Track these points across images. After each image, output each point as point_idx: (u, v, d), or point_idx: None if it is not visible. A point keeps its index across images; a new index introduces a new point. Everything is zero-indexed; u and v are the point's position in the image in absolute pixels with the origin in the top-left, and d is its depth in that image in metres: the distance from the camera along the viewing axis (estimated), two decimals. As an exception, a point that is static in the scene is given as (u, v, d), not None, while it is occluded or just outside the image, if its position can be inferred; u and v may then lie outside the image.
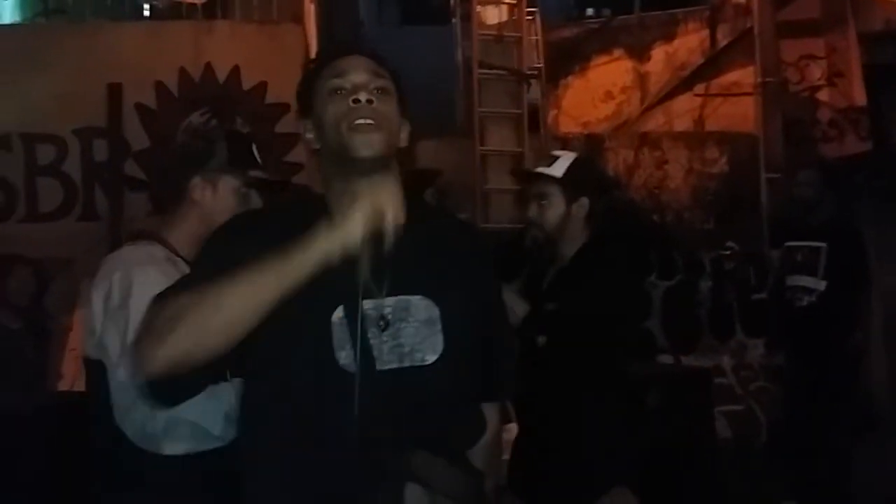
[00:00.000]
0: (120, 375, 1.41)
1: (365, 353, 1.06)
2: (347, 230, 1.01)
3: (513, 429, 3.84)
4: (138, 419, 1.42)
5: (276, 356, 1.08)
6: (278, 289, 1.00)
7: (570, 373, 1.94)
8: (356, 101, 1.11)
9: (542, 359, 1.94)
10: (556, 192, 2.04)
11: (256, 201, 1.60)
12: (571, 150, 7.09)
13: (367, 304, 1.08)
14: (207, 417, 1.43)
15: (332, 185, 1.15)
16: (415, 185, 1.22)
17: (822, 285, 3.73)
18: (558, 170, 2.05)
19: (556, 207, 2.04)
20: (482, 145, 5.93)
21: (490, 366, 1.21)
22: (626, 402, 2.02)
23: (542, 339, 1.96)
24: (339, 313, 1.07)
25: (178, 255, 1.54)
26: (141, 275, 1.46)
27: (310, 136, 1.17)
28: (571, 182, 2.04)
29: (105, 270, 1.53)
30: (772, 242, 4.35)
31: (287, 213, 1.20)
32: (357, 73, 1.14)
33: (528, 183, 2.14)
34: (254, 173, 1.61)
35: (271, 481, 1.10)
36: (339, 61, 1.16)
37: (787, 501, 3.60)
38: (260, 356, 1.08)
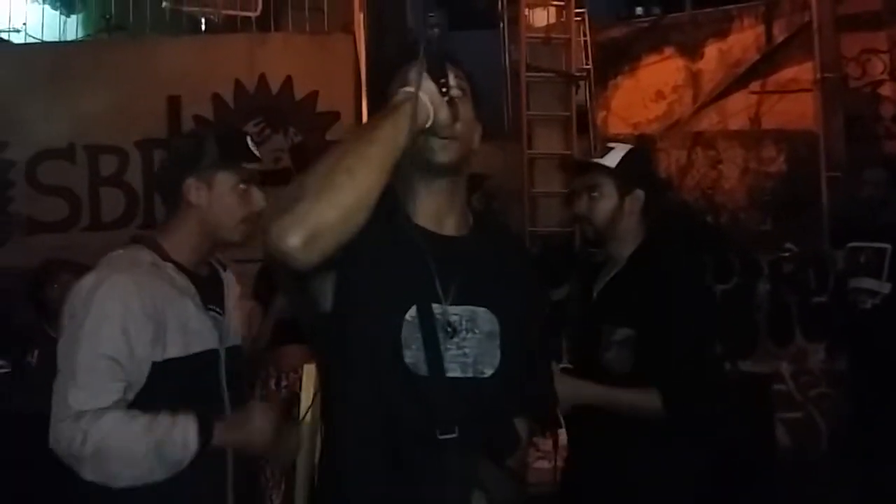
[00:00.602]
0: (57, 385, 1.35)
1: (436, 358, 1.08)
2: (421, 85, 1.03)
3: (562, 434, 3.82)
4: (64, 437, 1.32)
5: (353, 343, 1.10)
6: (390, 149, 1.01)
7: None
8: None
9: (613, 381, 1.72)
10: (609, 184, 1.82)
11: (259, 198, 1.50)
12: (622, 151, 7.02)
13: (435, 309, 1.10)
14: (135, 450, 1.31)
15: (408, 183, 1.16)
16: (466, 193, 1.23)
17: (886, 287, 3.58)
18: (612, 160, 1.84)
19: (607, 200, 1.82)
20: (530, 149, 5.91)
21: (530, 382, 1.22)
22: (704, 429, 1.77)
23: (609, 358, 1.73)
24: (412, 313, 1.09)
25: (169, 260, 1.45)
26: (106, 290, 1.36)
27: None
28: (625, 173, 1.82)
29: (86, 276, 1.43)
30: (833, 243, 4.20)
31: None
32: (450, 76, 1.14)
33: (578, 174, 1.92)
34: (249, 166, 1.50)
35: (350, 472, 1.12)
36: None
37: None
38: (337, 345, 1.11)
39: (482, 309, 1.13)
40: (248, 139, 1.53)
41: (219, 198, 1.47)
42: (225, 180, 1.48)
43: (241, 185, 1.48)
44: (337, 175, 0.99)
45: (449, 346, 1.09)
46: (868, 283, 3.65)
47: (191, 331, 1.42)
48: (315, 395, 2.21)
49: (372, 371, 1.09)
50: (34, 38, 5.32)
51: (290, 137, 4.41)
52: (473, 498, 1.06)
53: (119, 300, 1.36)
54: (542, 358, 1.29)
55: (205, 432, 1.35)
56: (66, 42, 5.40)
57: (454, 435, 1.06)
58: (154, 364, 1.38)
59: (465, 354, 1.11)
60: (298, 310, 1.17)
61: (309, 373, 2.27)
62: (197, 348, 1.43)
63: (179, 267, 1.46)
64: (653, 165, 2.11)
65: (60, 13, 5.59)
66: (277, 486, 3.34)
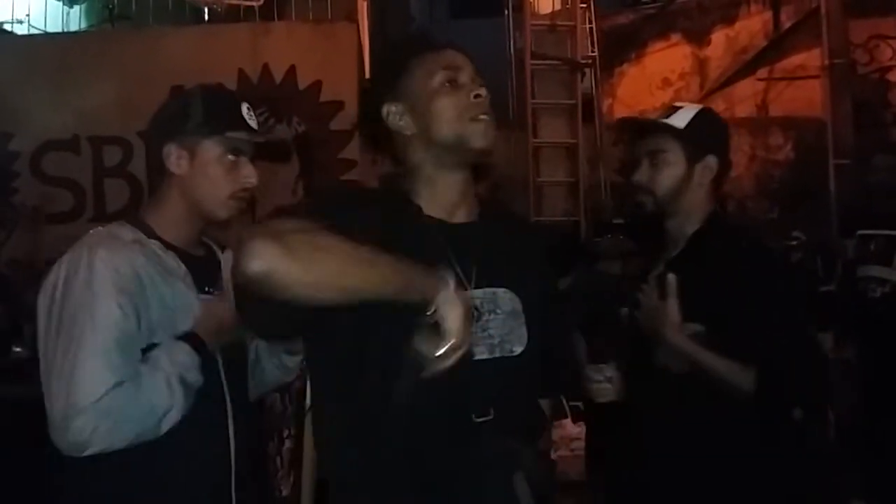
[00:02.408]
0: (49, 383, 1.21)
1: None
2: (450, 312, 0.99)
3: (566, 424, 3.82)
4: (72, 435, 1.19)
5: (377, 338, 1.08)
6: (383, 290, 0.99)
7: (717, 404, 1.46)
8: (477, 95, 1.14)
9: (671, 382, 1.49)
10: (676, 149, 1.55)
11: (250, 173, 1.35)
12: (628, 140, 6.99)
13: None
14: (155, 402, 1.21)
15: (423, 173, 1.16)
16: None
17: (895, 275, 3.56)
18: (680, 120, 1.56)
19: (673, 167, 1.54)
20: (535, 137, 5.88)
21: (551, 363, 1.22)
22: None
23: (671, 356, 1.48)
24: None
25: (155, 237, 1.32)
26: (85, 272, 1.23)
27: (395, 119, 1.16)
28: (696, 136, 1.55)
29: (62, 258, 1.28)
30: (842, 231, 4.18)
31: (377, 203, 1.16)
32: (469, 68, 1.17)
33: (639, 136, 1.63)
34: (237, 135, 1.32)
35: (377, 464, 1.10)
36: (443, 55, 1.17)
37: (857, 500, 3.46)
38: (350, 344, 1.09)
39: (502, 289, 1.14)
40: (244, 106, 1.36)
41: (202, 168, 1.32)
42: (209, 149, 1.32)
43: (229, 157, 1.32)
44: (330, 263, 0.96)
45: (474, 330, 1.08)
46: (878, 270, 3.63)
47: (181, 315, 1.29)
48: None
49: (398, 364, 1.07)
50: (37, 29, 5.31)
51: (293, 127, 4.39)
52: (516, 479, 1.06)
53: (103, 277, 1.22)
54: (563, 337, 1.28)
55: (192, 338, 1.27)
56: (69, 33, 5.39)
57: (490, 417, 1.06)
58: (140, 351, 1.26)
59: (490, 336, 1.11)
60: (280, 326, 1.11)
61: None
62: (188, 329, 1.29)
63: (168, 245, 1.33)
64: (726, 130, 1.71)
65: (63, 4, 5.57)
66: (287, 476, 3.35)
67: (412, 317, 1.03)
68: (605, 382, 1.58)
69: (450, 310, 0.98)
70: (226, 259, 1.42)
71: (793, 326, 1.46)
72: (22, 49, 4.74)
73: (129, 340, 1.24)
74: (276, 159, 1.45)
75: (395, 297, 0.99)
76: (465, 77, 1.16)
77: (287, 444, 3.45)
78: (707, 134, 1.59)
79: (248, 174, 1.34)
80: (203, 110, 1.33)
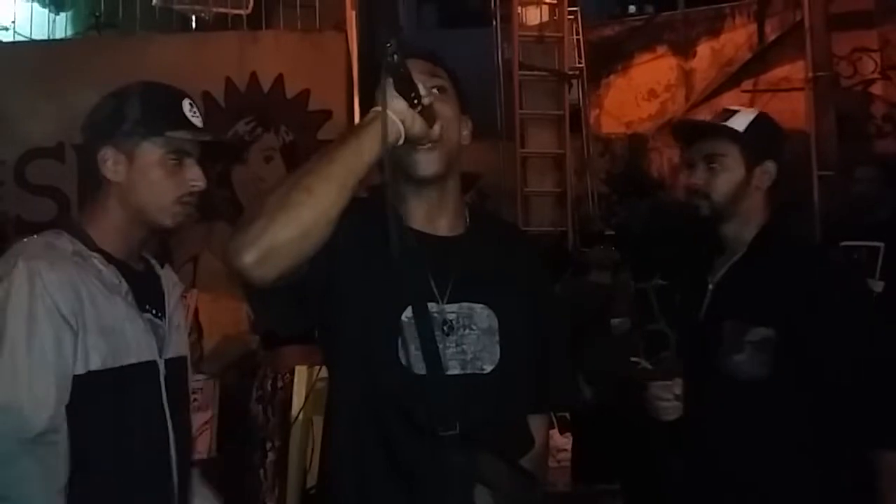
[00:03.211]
0: None
1: (433, 356, 1.07)
2: (389, 103, 1.02)
3: (553, 435, 3.80)
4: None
5: (349, 348, 1.10)
6: (353, 168, 1.01)
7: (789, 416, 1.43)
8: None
9: (739, 389, 1.44)
10: (735, 153, 1.51)
11: (196, 175, 1.22)
12: (614, 151, 7.03)
13: (431, 308, 1.10)
14: None
15: (402, 185, 1.15)
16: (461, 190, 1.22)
17: (879, 286, 3.59)
18: (740, 123, 1.53)
19: (732, 172, 1.51)
20: (523, 147, 5.90)
21: (542, 377, 1.21)
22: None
23: (739, 361, 1.43)
24: (407, 313, 1.09)
25: (96, 250, 1.19)
26: (18, 286, 1.11)
27: None
28: (755, 141, 1.52)
29: None
30: (826, 242, 4.22)
31: (362, 214, 1.13)
32: (442, 77, 1.15)
33: (695, 139, 1.58)
34: (178, 134, 1.20)
35: (347, 471, 1.12)
36: (417, 63, 1.14)
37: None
38: (336, 346, 1.11)
39: (479, 305, 1.13)
40: (187, 103, 1.24)
41: (141, 173, 1.19)
42: (149, 152, 1.19)
43: (171, 159, 1.20)
44: (296, 193, 0.99)
45: (447, 345, 1.10)
46: (861, 281, 3.65)
47: (121, 337, 1.18)
48: (307, 395, 2.21)
49: (371, 372, 1.09)
50: (23, 36, 5.27)
51: (281, 136, 4.38)
52: (476, 493, 1.06)
53: (43, 300, 1.11)
54: (559, 350, 1.26)
55: None
56: (55, 40, 5.35)
57: (455, 432, 1.06)
58: (76, 377, 1.13)
59: (463, 351, 1.11)
60: (279, 326, 1.15)
61: (300, 374, 2.26)
62: (130, 359, 1.18)
63: (109, 258, 1.20)
64: (782, 136, 1.70)
65: (49, 11, 5.54)
66: (271, 490, 3.32)
67: (392, 319, 1.06)
68: (673, 400, 1.51)
69: (390, 103, 1.02)
70: (165, 276, 1.33)
71: (865, 337, 1.42)
72: (7, 56, 4.71)
73: (60, 375, 1.13)
74: (226, 158, 1.32)
75: (363, 160, 1.01)
76: (436, 83, 1.13)
77: (270, 455, 3.42)
78: (766, 139, 1.56)
79: (194, 177, 1.22)
80: (140, 109, 1.21)
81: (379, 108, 1.03)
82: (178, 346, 1.30)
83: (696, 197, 1.55)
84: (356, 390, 1.10)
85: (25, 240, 1.20)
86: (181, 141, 1.22)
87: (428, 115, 1.06)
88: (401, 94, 1.03)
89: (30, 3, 5.45)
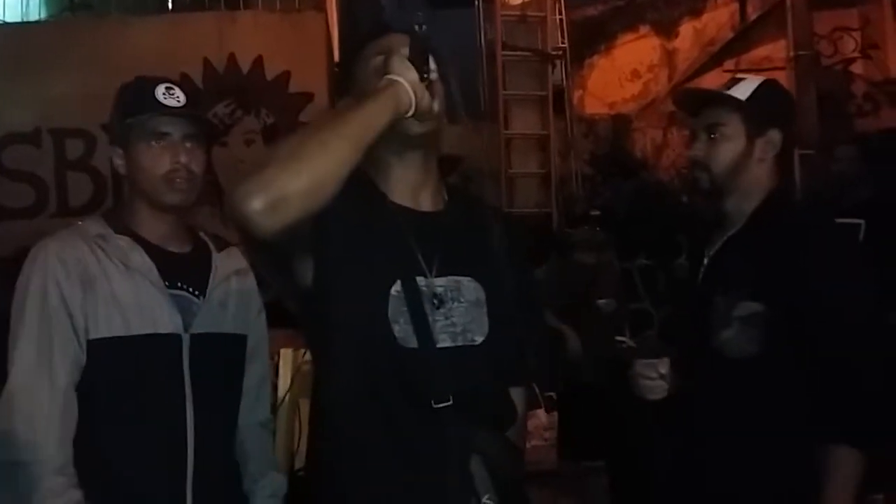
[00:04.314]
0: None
1: (424, 330, 1.08)
2: (404, 73, 1.04)
3: (539, 414, 3.84)
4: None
5: (338, 323, 1.10)
6: (366, 130, 1.02)
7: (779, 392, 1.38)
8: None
9: (727, 365, 1.41)
10: (735, 122, 1.45)
11: (176, 151, 1.31)
12: (598, 132, 7.04)
13: (420, 282, 1.10)
14: None
15: (382, 160, 1.15)
16: (439, 170, 1.21)
17: (859, 263, 3.63)
18: (742, 92, 1.46)
19: (732, 142, 1.45)
20: (506, 129, 5.89)
21: (522, 351, 1.23)
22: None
23: (727, 337, 1.39)
24: (396, 287, 1.09)
25: (126, 233, 1.32)
26: (37, 260, 1.28)
27: None
28: (758, 109, 1.45)
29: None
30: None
31: (344, 190, 1.12)
32: (403, 50, 1.13)
33: (698, 109, 1.52)
34: (144, 117, 1.30)
35: (340, 449, 1.12)
36: (382, 39, 1.16)
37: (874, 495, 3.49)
38: (324, 322, 1.11)
39: (466, 278, 1.14)
40: (161, 88, 1.32)
41: (134, 161, 1.32)
42: (135, 141, 1.32)
43: (153, 143, 1.31)
44: (309, 146, 0.99)
45: (437, 318, 1.10)
46: (841, 258, 3.69)
47: (136, 310, 1.28)
48: (293, 378, 2.20)
49: (361, 348, 1.09)
50: (-6, 18, 5.15)
51: (262, 119, 4.33)
52: (472, 463, 1.07)
53: (47, 266, 1.27)
54: (534, 324, 1.28)
55: None
56: (28, 23, 5.24)
57: (449, 403, 1.07)
58: (89, 342, 1.27)
59: (453, 324, 1.12)
60: (277, 287, 1.15)
61: (286, 357, 2.25)
62: (145, 329, 1.28)
63: (140, 240, 1.33)
64: (792, 103, 1.60)
65: (22, -7, 5.42)
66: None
67: (381, 294, 1.07)
68: (658, 379, 1.46)
69: (405, 73, 1.04)
70: (219, 257, 1.41)
71: (861, 319, 1.37)
72: (-21, 39, 4.60)
73: (71, 340, 1.26)
74: (204, 132, 1.39)
75: (376, 123, 1.02)
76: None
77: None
78: (770, 107, 1.48)
79: (178, 153, 1.31)
80: (120, 105, 1.34)
81: (393, 77, 1.04)
82: (218, 322, 1.36)
83: (696, 168, 1.50)
84: (347, 366, 1.09)
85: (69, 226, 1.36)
86: (155, 123, 1.31)
87: (431, 90, 1.07)
88: (414, 65, 1.04)
89: (1, -15, 5.33)
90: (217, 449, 1.34)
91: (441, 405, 1.06)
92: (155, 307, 1.29)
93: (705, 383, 1.43)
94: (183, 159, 1.31)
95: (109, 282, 1.27)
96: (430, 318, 1.10)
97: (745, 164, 1.46)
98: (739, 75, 1.57)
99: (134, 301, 1.28)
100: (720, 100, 1.48)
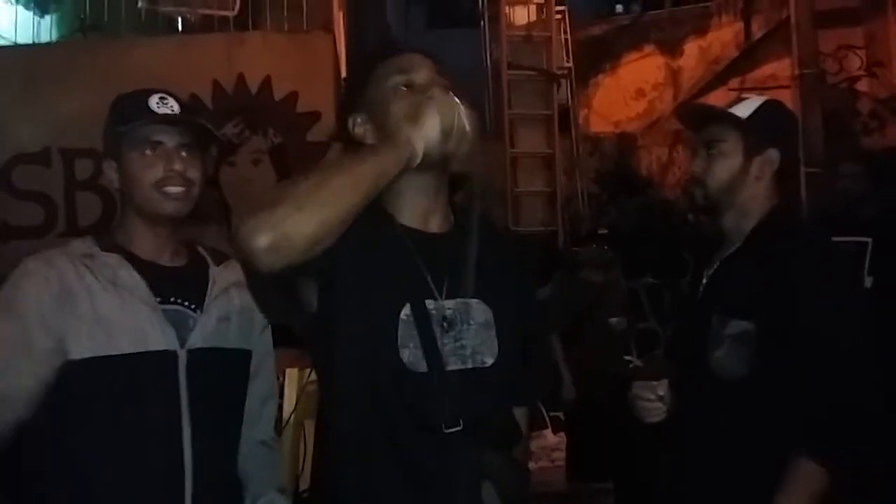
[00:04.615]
0: None
1: (434, 353, 1.08)
2: (427, 127, 1.05)
3: (546, 435, 3.82)
4: None
5: (346, 347, 1.09)
6: (377, 183, 1.03)
7: (766, 413, 1.36)
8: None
9: (720, 387, 1.39)
10: (735, 139, 1.44)
11: (171, 158, 1.27)
12: (604, 150, 7.05)
13: (429, 305, 1.10)
14: None
15: (392, 182, 1.13)
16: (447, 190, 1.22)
17: (868, 281, 3.61)
18: (743, 111, 1.46)
19: (729, 159, 1.44)
20: (512, 147, 5.91)
21: (530, 372, 1.22)
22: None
23: (718, 357, 1.37)
24: (406, 311, 1.09)
25: (115, 251, 1.28)
26: (17, 276, 1.25)
27: (360, 130, 1.17)
28: (758, 128, 1.44)
29: None
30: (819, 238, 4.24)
31: None
32: (423, 71, 1.15)
33: (701, 125, 1.51)
34: (137, 125, 1.25)
35: (347, 473, 1.10)
36: (400, 58, 1.16)
37: None
38: (333, 345, 1.10)
39: (475, 300, 1.13)
40: (155, 97, 1.29)
41: (127, 173, 1.27)
42: (128, 151, 1.27)
43: (147, 152, 1.26)
44: (322, 192, 1.00)
45: (446, 341, 1.10)
46: (848, 276, 3.67)
47: (120, 328, 1.22)
48: (298, 398, 2.20)
49: (369, 373, 1.08)
50: (6, 39, 5.22)
51: (269, 139, 4.36)
52: (483, 489, 1.07)
53: (27, 284, 1.23)
54: (540, 344, 1.28)
55: None
56: (40, 44, 5.31)
57: (459, 428, 1.06)
58: (69, 363, 1.20)
59: (462, 346, 1.11)
60: (282, 313, 1.15)
61: (291, 377, 2.24)
62: (134, 348, 1.22)
63: (132, 258, 1.28)
64: (794, 123, 1.62)
65: (34, 14, 5.49)
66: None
67: (390, 318, 1.07)
68: (656, 401, 1.45)
69: (440, 110, 1.06)
70: (216, 270, 1.35)
71: (847, 348, 1.35)
72: (-9, 60, 4.66)
73: (38, 352, 1.21)
74: (201, 142, 1.34)
75: (386, 178, 1.04)
76: (421, 78, 1.14)
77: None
78: (770, 126, 1.47)
79: (169, 161, 1.26)
80: (113, 116, 1.30)
81: (408, 132, 1.05)
82: (218, 337, 1.30)
83: (692, 184, 1.50)
84: (354, 390, 1.09)
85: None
86: (148, 131, 1.27)
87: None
88: (442, 115, 1.06)
89: (14, 6, 5.41)
90: (217, 471, 1.29)
91: (452, 430, 1.06)
92: (144, 324, 1.24)
93: (699, 404, 1.42)
94: (177, 167, 1.26)
95: (93, 300, 1.22)
96: (440, 341, 1.09)
97: (742, 181, 1.45)
98: (745, 94, 1.59)
99: (120, 319, 1.22)
100: (720, 117, 1.49)
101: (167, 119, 1.28)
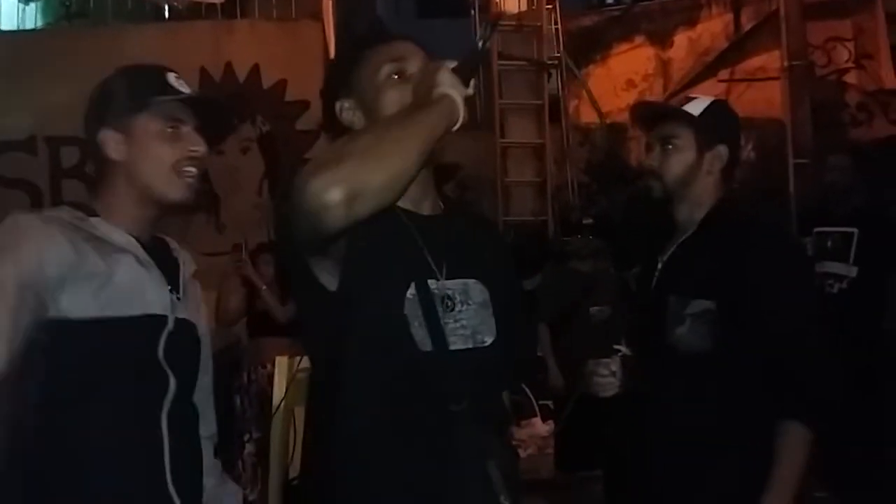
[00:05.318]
0: None
1: (438, 332, 1.09)
2: (456, 88, 1.05)
3: (536, 423, 3.83)
4: None
5: (361, 327, 1.09)
6: (431, 138, 1.03)
7: (727, 383, 1.47)
8: None
9: (681, 362, 1.49)
10: (688, 135, 1.58)
11: (195, 139, 1.22)
12: (593, 140, 7.06)
13: (431, 285, 1.11)
14: None
15: None
16: (435, 179, 1.22)
17: (853, 271, 3.64)
18: (695, 108, 1.60)
19: (684, 154, 1.57)
20: (502, 137, 5.90)
21: (520, 354, 1.28)
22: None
23: (680, 334, 1.48)
24: (411, 290, 1.10)
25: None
26: (9, 225, 1.13)
27: (349, 116, 1.17)
28: (708, 125, 1.58)
29: None
30: (801, 229, 4.27)
31: None
32: (415, 60, 1.15)
33: (653, 123, 1.64)
34: (167, 98, 1.20)
35: (355, 454, 1.11)
36: (392, 46, 1.16)
37: (819, 493, 3.54)
38: (347, 326, 1.10)
39: (472, 280, 1.15)
40: (172, 75, 1.24)
41: (142, 146, 1.20)
42: (145, 123, 1.20)
43: (168, 128, 1.20)
44: (385, 143, 1.00)
45: (447, 320, 1.11)
46: (835, 267, 3.71)
47: (128, 290, 1.17)
48: (288, 386, 2.19)
49: (382, 352, 1.09)
50: (-9, 26, 5.16)
51: (258, 127, 4.34)
52: (490, 467, 1.08)
53: (27, 231, 1.12)
54: (523, 332, 1.31)
55: None
56: (24, 31, 5.25)
57: (464, 406, 1.07)
58: (66, 324, 1.13)
59: (463, 326, 1.12)
60: (302, 289, 1.13)
61: (281, 364, 2.24)
62: (140, 310, 1.17)
63: (124, 233, 1.20)
64: (738, 122, 1.74)
65: (19, 1, 5.42)
66: (252, 481, 3.30)
67: (398, 297, 1.07)
68: (609, 377, 1.61)
69: (457, 88, 1.06)
70: (179, 252, 1.32)
71: (799, 320, 1.49)
72: (-26, 47, 4.61)
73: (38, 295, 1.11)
74: (221, 126, 1.31)
75: (436, 135, 1.03)
76: (413, 67, 1.14)
77: (248, 447, 3.40)
78: (719, 124, 1.62)
79: (194, 142, 1.21)
80: (128, 85, 1.23)
81: (446, 91, 1.05)
82: (192, 315, 1.28)
83: (650, 177, 1.62)
84: (368, 370, 1.09)
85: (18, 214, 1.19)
86: (173, 107, 1.22)
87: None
88: (463, 80, 1.06)
89: (-2, -7, 5.34)
90: (187, 438, 1.24)
91: (457, 408, 1.07)
92: (146, 285, 1.19)
93: (662, 381, 1.52)
94: (199, 148, 1.21)
95: (95, 259, 1.15)
96: (442, 321, 1.10)
97: (695, 174, 1.58)
98: (692, 94, 1.70)
99: (123, 280, 1.17)
100: (675, 115, 1.61)
101: (199, 100, 1.24)
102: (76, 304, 1.14)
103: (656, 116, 1.66)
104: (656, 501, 1.54)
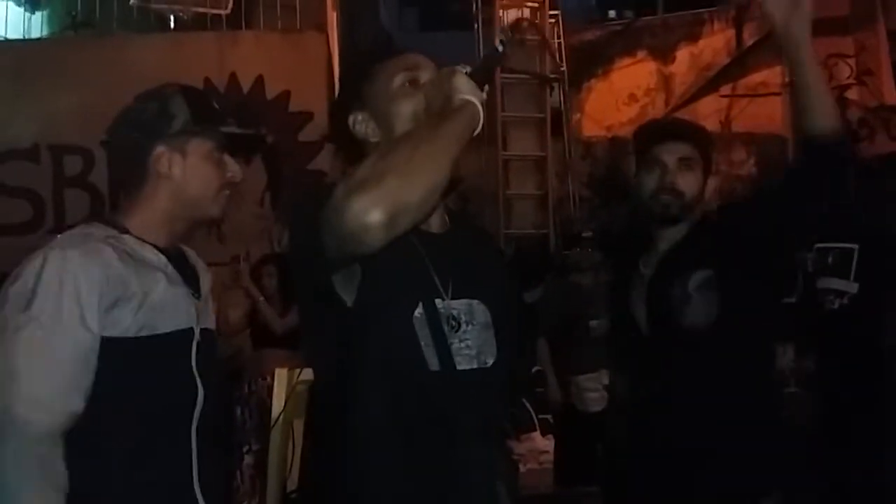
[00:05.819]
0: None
1: (446, 352, 1.09)
2: (475, 94, 1.07)
3: (535, 437, 3.81)
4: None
5: (373, 345, 1.09)
6: (457, 143, 1.04)
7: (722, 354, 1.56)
8: None
9: (683, 343, 1.58)
10: (698, 159, 1.69)
11: (234, 166, 1.33)
12: (595, 154, 7.06)
13: (438, 305, 1.12)
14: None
15: None
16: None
17: (853, 287, 3.61)
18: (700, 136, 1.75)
19: (698, 175, 1.68)
20: (504, 150, 5.92)
21: (519, 372, 1.25)
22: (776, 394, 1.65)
23: (690, 310, 1.57)
24: (419, 310, 1.10)
25: (128, 234, 1.27)
26: (53, 268, 1.17)
27: (362, 128, 1.17)
28: (710, 153, 1.72)
29: (31, 258, 1.21)
30: (801, 245, 4.26)
31: None
32: (427, 70, 1.16)
33: (666, 140, 1.72)
34: (227, 130, 1.32)
35: (363, 470, 1.11)
36: (404, 57, 1.18)
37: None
38: (359, 343, 1.10)
39: (475, 301, 1.15)
40: (215, 102, 1.37)
41: (194, 167, 1.29)
42: (200, 146, 1.29)
43: (216, 153, 1.31)
44: (419, 158, 1.00)
45: (453, 340, 1.11)
46: (835, 283, 3.68)
47: (162, 308, 1.23)
48: (287, 398, 2.18)
49: (393, 370, 1.09)
50: (-3, 35, 5.19)
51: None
52: (497, 487, 1.09)
53: (70, 276, 1.17)
54: (522, 349, 1.31)
55: None
56: (30, 40, 5.28)
57: (472, 425, 1.08)
58: (112, 341, 1.18)
59: (468, 346, 1.13)
60: (318, 303, 1.13)
61: (280, 376, 2.23)
62: (169, 328, 1.24)
63: (154, 247, 1.28)
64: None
65: (25, 10, 5.46)
66: (250, 493, 3.28)
67: (407, 316, 1.08)
68: (598, 391, 1.66)
69: (476, 94, 1.08)
70: (200, 265, 1.40)
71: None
72: (-20, 55, 4.64)
73: (83, 360, 1.17)
74: (250, 154, 1.44)
75: (461, 143, 1.04)
76: (425, 76, 1.15)
77: (247, 459, 3.38)
78: (711, 143, 1.78)
79: (234, 169, 1.33)
80: (188, 108, 1.31)
81: (468, 97, 1.06)
82: (211, 322, 1.36)
83: (669, 195, 1.67)
84: (378, 388, 1.09)
85: (59, 236, 1.27)
86: (224, 135, 1.33)
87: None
88: (479, 84, 1.07)
89: (5, 2, 5.37)
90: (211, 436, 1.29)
91: (464, 427, 1.07)
92: (179, 301, 1.27)
93: (676, 365, 1.58)
94: (239, 175, 1.34)
95: (137, 280, 1.21)
96: (449, 341, 1.10)
97: (703, 193, 1.71)
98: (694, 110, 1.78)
99: (160, 302, 1.23)
100: (690, 137, 1.72)
101: (253, 138, 1.37)
102: (117, 325, 1.20)
103: (671, 135, 1.73)
104: (685, 484, 1.55)
